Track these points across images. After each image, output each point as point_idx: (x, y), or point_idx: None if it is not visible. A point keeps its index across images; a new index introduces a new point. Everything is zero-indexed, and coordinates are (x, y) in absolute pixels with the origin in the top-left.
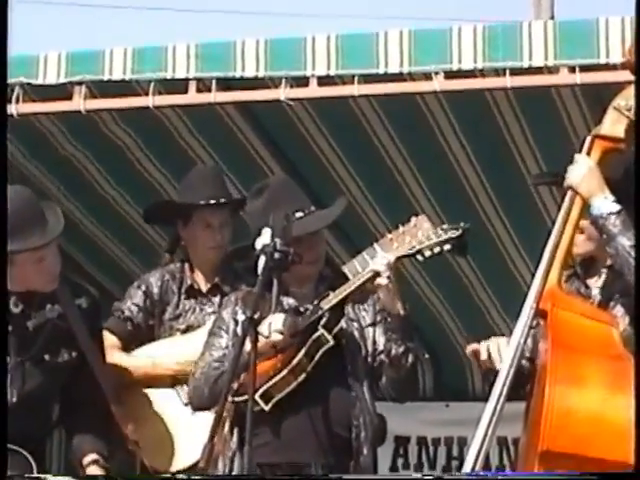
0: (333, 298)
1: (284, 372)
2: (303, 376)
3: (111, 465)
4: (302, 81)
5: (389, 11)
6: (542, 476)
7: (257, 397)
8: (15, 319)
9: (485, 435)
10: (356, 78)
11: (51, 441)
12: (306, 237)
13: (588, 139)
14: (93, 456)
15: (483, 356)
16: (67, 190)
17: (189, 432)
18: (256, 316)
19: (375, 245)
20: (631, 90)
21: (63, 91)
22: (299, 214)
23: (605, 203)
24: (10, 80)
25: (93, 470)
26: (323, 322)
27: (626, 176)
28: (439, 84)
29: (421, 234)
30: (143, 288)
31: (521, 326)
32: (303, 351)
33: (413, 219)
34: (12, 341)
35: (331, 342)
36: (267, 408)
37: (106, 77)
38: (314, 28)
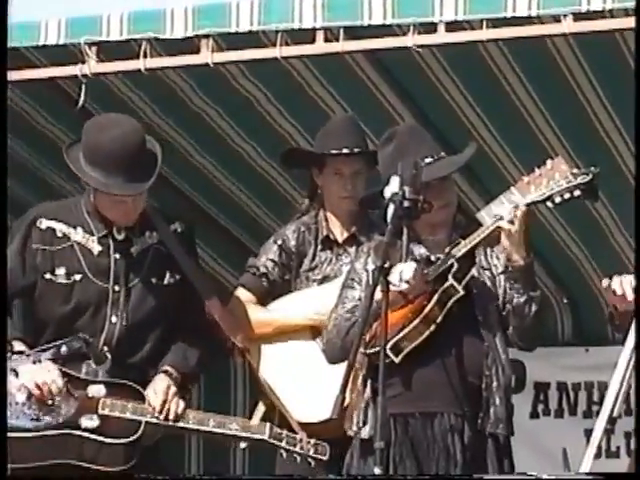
0: (463, 247)
1: (414, 323)
2: (433, 327)
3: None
4: (430, 27)
5: None
6: (543, 477)
7: (387, 349)
8: (120, 246)
9: (623, 379)
10: (484, 23)
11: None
12: (435, 183)
13: None
14: (165, 367)
15: (618, 292)
16: (199, 145)
17: (327, 384)
18: (386, 265)
19: (512, 189)
20: None
21: (190, 45)
22: (428, 160)
23: None
24: (137, 35)
25: (159, 379)
26: (453, 272)
27: None
28: (568, 26)
29: (558, 176)
30: (279, 242)
31: None
32: (433, 302)
33: (549, 161)
34: (120, 266)
35: (461, 292)
36: (397, 360)
37: (233, 29)
38: None
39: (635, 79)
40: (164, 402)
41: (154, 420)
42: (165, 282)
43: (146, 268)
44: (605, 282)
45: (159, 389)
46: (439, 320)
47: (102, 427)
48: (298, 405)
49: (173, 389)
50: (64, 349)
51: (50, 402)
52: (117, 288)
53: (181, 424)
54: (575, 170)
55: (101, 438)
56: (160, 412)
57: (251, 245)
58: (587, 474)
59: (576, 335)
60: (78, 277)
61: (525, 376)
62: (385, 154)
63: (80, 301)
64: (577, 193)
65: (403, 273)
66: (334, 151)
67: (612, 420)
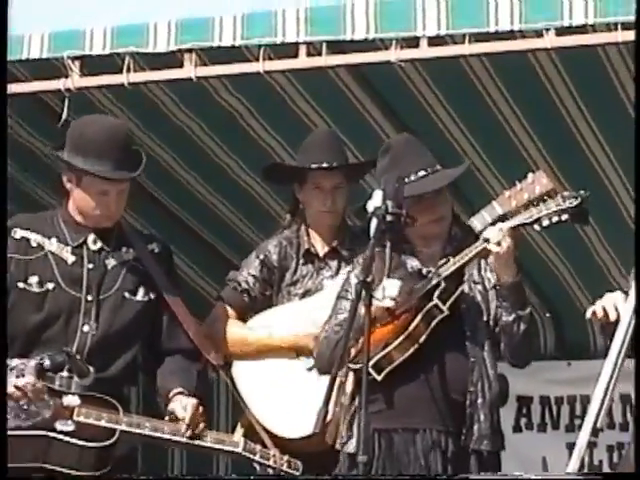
0: (451, 265)
1: (398, 341)
2: (416, 346)
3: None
4: (412, 42)
5: None
6: (544, 476)
7: (369, 367)
8: (94, 256)
9: (606, 392)
10: (467, 37)
11: (136, 382)
12: (428, 196)
13: None
14: (178, 389)
15: (599, 314)
16: (182, 159)
17: (311, 398)
18: (368, 279)
19: (494, 203)
20: None
21: (173, 59)
22: (422, 173)
23: None
24: (120, 49)
25: (179, 399)
26: (438, 292)
27: None
28: (550, 41)
29: (539, 190)
30: (261, 257)
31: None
32: (417, 320)
33: (530, 175)
34: (93, 277)
35: (445, 312)
36: (379, 378)
37: (216, 44)
38: None
39: (635, 87)
40: (193, 416)
41: (137, 430)
42: (138, 298)
43: (120, 281)
44: (589, 313)
45: (188, 404)
46: (422, 339)
47: (77, 432)
48: (281, 420)
49: (201, 408)
50: (47, 362)
51: (25, 405)
52: (90, 298)
53: (198, 442)
54: (565, 193)
55: (76, 441)
56: (188, 426)
57: (234, 259)
58: (584, 474)
59: (558, 349)
60: (51, 286)
61: (508, 390)
62: (381, 166)
63: (52, 310)
64: (565, 217)
65: (387, 290)
66: (314, 165)
67: (595, 432)
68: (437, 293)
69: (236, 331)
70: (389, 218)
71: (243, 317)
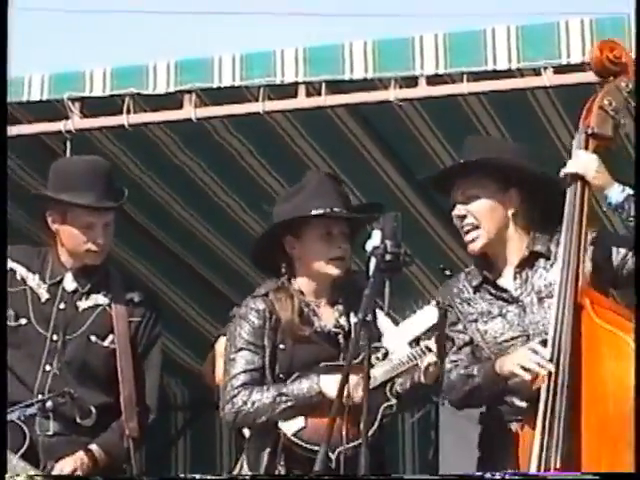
0: (389, 373)
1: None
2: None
3: None
4: (411, 81)
5: (493, 8)
6: (542, 476)
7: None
8: (68, 296)
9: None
10: (465, 76)
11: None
12: None
13: (582, 136)
14: (93, 446)
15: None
16: (182, 199)
17: None
18: (368, 318)
19: None
20: (613, 87)
21: (174, 100)
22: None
23: (620, 191)
24: (120, 91)
25: (78, 455)
26: (388, 388)
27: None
28: (548, 79)
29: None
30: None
31: (559, 320)
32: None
33: None
34: (62, 316)
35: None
36: None
37: (215, 84)
38: (420, 28)
39: (635, 89)
40: None
41: None
42: (105, 343)
43: (88, 324)
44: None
45: (66, 467)
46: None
47: None
48: None
49: (78, 474)
50: (49, 404)
51: None
52: (55, 337)
53: None
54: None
55: None
56: None
57: (233, 297)
58: (583, 474)
59: None
60: (24, 321)
61: None
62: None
63: (22, 345)
64: None
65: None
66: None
67: None
68: (387, 389)
69: None
70: (388, 257)
71: None
